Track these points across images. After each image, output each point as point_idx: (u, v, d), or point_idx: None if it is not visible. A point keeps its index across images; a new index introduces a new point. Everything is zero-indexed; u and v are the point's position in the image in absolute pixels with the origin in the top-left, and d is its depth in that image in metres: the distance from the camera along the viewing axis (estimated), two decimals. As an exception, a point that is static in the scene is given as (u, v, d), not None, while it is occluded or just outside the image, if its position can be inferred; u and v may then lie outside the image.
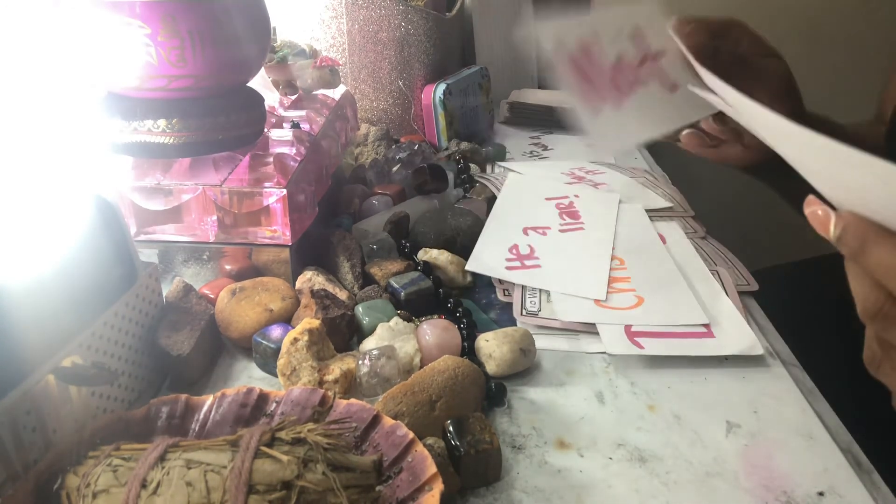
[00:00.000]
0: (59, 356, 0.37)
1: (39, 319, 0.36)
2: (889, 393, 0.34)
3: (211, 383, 0.48)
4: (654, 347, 0.51)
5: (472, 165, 0.84)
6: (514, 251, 0.63)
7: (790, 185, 0.46)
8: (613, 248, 0.64)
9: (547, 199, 0.74)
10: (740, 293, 0.59)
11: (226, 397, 0.40)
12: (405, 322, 0.52)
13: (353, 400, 0.40)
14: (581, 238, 0.66)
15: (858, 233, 0.29)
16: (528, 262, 0.62)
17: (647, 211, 0.72)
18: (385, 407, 0.41)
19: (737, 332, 0.53)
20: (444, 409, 0.42)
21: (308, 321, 0.47)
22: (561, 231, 0.67)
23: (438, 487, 0.34)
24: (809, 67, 1.64)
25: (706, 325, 0.53)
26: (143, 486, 0.31)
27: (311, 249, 0.60)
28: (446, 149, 0.90)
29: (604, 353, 0.52)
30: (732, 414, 0.46)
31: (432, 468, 0.35)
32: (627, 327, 0.53)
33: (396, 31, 0.89)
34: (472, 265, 0.61)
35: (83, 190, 0.42)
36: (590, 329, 0.54)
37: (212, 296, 0.54)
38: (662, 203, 0.75)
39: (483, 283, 0.61)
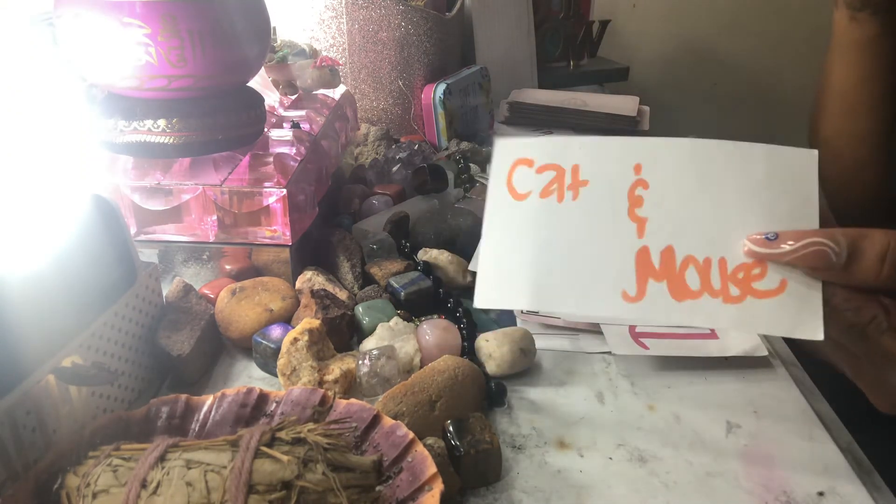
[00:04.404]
0: (59, 356, 0.37)
1: (39, 319, 0.36)
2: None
3: (211, 383, 0.48)
4: (658, 348, 0.51)
5: (472, 165, 0.84)
6: None
7: None
8: None
9: None
10: (740, 293, 0.59)
11: (226, 397, 0.40)
12: (405, 322, 0.52)
13: (353, 400, 0.40)
14: None
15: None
16: None
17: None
18: (385, 407, 0.41)
19: (740, 333, 0.53)
20: (444, 409, 0.42)
21: (308, 321, 0.47)
22: None
23: (438, 487, 0.34)
24: (809, 70, 1.64)
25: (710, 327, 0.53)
26: (143, 486, 0.31)
27: (311, 249, 0.60)
28: (446, 149, 0.90)
29: (604, 353, 0.52)
30: (732, 414, 0.46)
31: (432, 468, 0.35)
32: (632, 328, 0.53)
33: (396, 31, 0.89)
34: (475, 265, 0.61)
35: (83, 190, 0.42)
36: (591, 329, 0.54)
37: (212, 296, 0.54)
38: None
39: (483, 283, 0.61)
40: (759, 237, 0.33)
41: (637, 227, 0.35)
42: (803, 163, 0.35)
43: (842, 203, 0.37)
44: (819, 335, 0.32)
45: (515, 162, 0.39)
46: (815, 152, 0.35)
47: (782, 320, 0.33)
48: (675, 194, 0.36)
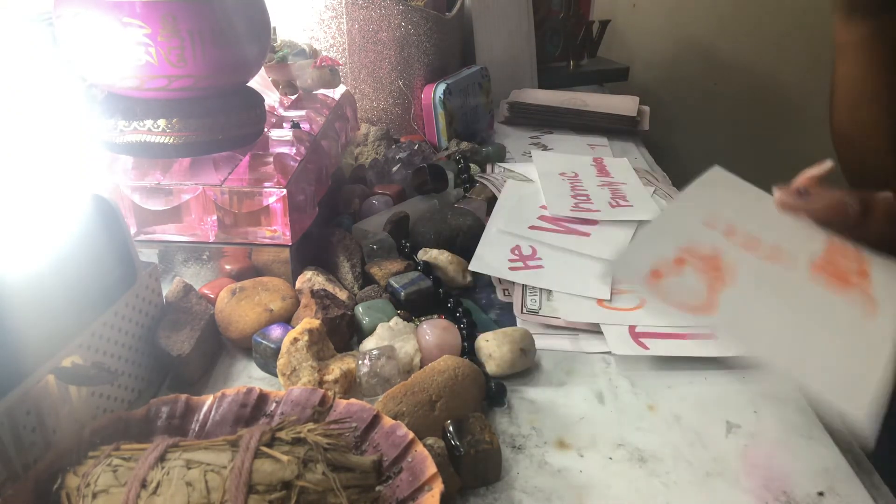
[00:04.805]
0: (59, 356, 0.37)
1: (39, 319, 0.36)
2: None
3: (211, 383, 0.48)
4: (658, 348, 0.51)
5: (472, 165, 0.84)
6: (516, 252, 0.63)
7: None
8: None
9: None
10: (740, 293, 0.59)
11: (226, 397, 0.40)
12: (405, 322, 0.52)
13: (353, 400, 0.40)
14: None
15: None
16: (530, 263, 0.62)
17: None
18: (385, 407, 0.41)
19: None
20: (444, 409, 0.42)
21: (308, 321, 0.47)
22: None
23: (438, 487, 0.34)
24: (809, 69, 1.64)
25: None
26: (143, 486, 0.31)
27: (311, 249, 0.60)
28: (446, 149, 0.90)
29: (604, 353, 0.52)
30: (732, 414, 0.46)
31: (432, 468, 0.35)
32: (632, 328, 0.53)
33: (396, 31, 0.89)
34: (475, 265, 0.61)
35: (83, 190, 0.42)
36: (591, 329, 0.54)
37: (212, 296, 0.54)
38: (663, 205, 0.75)
39: (483, 283, 0.61)
40: (793, 190, 0.37)
41: (776, 262, 0.37)
42: (725, 175, 0.42)
43: (861, 186, 0.40)
44: None
45: (650, 276, 0.39)
46: (717, 167, 0.44)
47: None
48: (748, 218, 0.40)
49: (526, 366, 0.50)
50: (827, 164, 0.40)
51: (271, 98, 0.75)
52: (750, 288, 0.38)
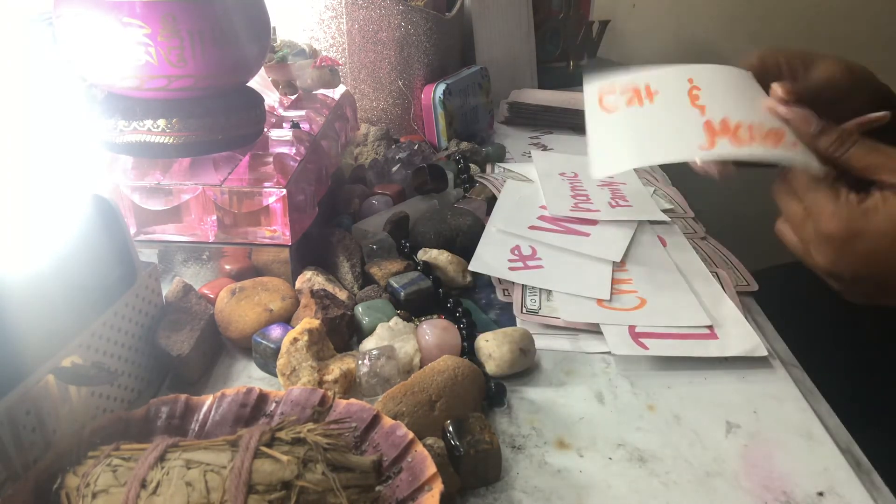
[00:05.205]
0: (59, 356, 0.37)
1: (39, 319, 0.36)
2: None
3: (211, 383, 0.49)
4: (658, 348, 0.51)
5: (471, 165, 0.84)
6: (516, 252, 0.63)
7: None
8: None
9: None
10: (740, 294, 0.59)
11: (225, 397, 0.40)
12: (405, 322, 0.52)
13: (352, 400, 0.40)
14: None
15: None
16: (530, 263, 0.62)
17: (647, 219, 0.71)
18: (385, 407, 0.41)
19: (740, 333, 0.53)
20: (444, 409, 0.42)
21: (308, 321, 0.47)
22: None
23: (438, 487, 0.34)
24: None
25: (709, 327, 0.53)
26: (143, 486, 0.31)
27: (311, 249, 0.60)
28: (446, 149, 0.90)
29: (604, 353, 0.52)
30: (732, 414, 0.46)
31: (432, 468, 0.35)
32: (631, 328, 0.53)
33: (396, 31, 0.89)
34: (474, 265, 0.61)
35: (83, 190, 0.42)
36: (591, 329, 0.54)
37: (211, 296, 0.54)
38: (663, 205, 0.75)
39: (483, 283, 0.61)
40: (777, 103, 0.48)
41: (699, 111, 0.49)
42: (744, 74, 0.53)
43: None
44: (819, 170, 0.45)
45: (601, 92, 0.55)
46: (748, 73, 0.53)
47: (801, 154, 0.46)
48: (718, 92, 0.51)
49: (526, 366, 0.50)
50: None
51: (271, 98, 0.75)
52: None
